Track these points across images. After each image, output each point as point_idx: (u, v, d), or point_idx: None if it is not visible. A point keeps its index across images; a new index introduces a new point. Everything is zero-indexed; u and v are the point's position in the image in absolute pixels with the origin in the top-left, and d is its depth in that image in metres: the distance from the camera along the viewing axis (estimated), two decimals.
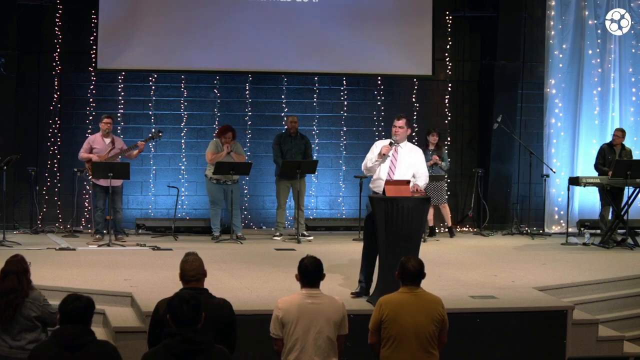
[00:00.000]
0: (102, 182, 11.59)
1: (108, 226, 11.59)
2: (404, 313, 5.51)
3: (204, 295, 5.11)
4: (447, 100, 14.08)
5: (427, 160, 12.69)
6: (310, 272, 5.59)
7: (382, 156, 8.31)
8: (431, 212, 12.84)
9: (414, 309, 5.53)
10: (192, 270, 5.29)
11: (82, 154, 11.91)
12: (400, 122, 8.41)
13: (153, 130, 12.58)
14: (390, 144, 8.35)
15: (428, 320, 5.52)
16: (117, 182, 11.66)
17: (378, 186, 8.28)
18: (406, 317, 5.50)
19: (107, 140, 11.89)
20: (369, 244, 8.17)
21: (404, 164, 8.30)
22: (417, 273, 5.63)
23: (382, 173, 8.31)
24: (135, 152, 11.98)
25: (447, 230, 13.18)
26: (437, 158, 12.85)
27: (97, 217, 11.81)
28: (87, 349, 4.59)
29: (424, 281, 5.71)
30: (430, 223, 12.99)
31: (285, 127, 12.97)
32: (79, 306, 4.68)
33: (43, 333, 6.18)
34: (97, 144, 11.86)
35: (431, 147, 12.97)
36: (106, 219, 11.70)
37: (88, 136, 12.87)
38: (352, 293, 8.13)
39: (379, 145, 8.44)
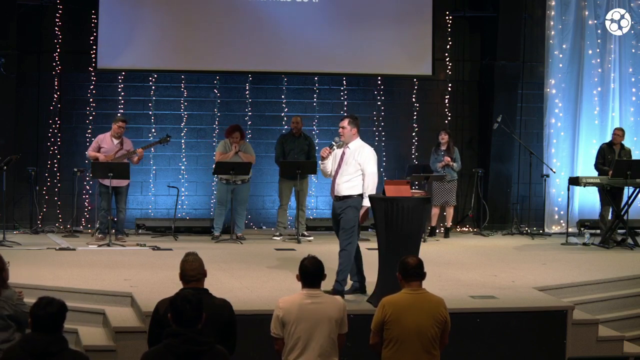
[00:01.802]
0: (109, 182, 11.36)
1: (109, 226, 11.55)
2: (406, 314, 5.50)
3: (204, 296, 5.09)
4: (447, 100, 14.07)
5: (438, 161, 12.77)
6: (311, 273, 5.59)
7: (323, 159, 8.37)
8: (436, 212, 12.84)
9: (417, 310, 5.53)
10: (192, 270, 5.29)
11: (90, 152, 11.84)
12: (343, 123, 8.36)
13: (166, 136, 12.27)
14: (331, 146, 8.37)
15: (430, 322, 5.51)
16: (123, 183, 11.62)
17: (333, 187, 8.41)
18: (408, 318, 5.49)
19: (116, 141, 11.77)
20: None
21: (349, 164, 8.28)
22: (416, 266, 5.63)
23: (332, 174, 8.39)
24: (135, 158, 11.82)
25: (443, 230, 13.17)
26: (449, 160, 12.79)
27: (101, 217, 11.74)
28: (58, 358, 4.39)
29: (424, 281, 5.71)
30: (433, 223, 12.98)
31: (286, 127, 12.96)
32: (50, 312, 4.44)
33: (17, 332, 6.02)
34: (105, 144, 11.75)
35: (443, 148, 12.92)
36: (108, 219, 11.65)
37: (88, 136, 12.88)
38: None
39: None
